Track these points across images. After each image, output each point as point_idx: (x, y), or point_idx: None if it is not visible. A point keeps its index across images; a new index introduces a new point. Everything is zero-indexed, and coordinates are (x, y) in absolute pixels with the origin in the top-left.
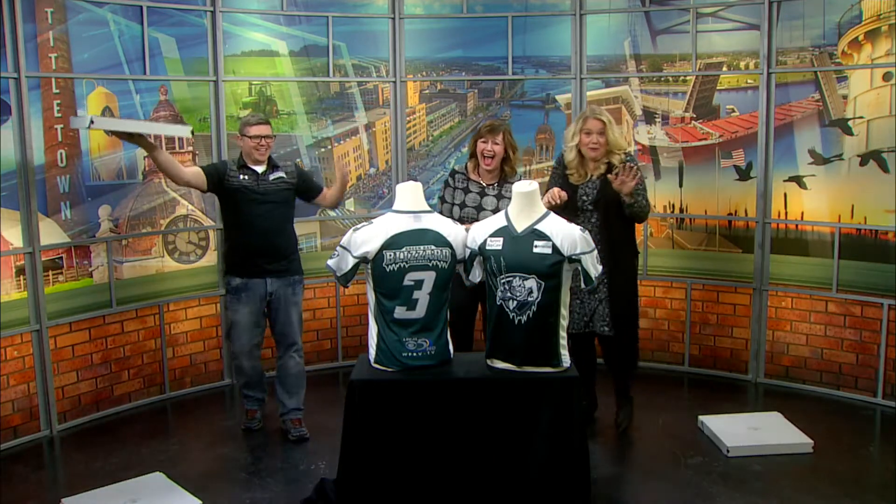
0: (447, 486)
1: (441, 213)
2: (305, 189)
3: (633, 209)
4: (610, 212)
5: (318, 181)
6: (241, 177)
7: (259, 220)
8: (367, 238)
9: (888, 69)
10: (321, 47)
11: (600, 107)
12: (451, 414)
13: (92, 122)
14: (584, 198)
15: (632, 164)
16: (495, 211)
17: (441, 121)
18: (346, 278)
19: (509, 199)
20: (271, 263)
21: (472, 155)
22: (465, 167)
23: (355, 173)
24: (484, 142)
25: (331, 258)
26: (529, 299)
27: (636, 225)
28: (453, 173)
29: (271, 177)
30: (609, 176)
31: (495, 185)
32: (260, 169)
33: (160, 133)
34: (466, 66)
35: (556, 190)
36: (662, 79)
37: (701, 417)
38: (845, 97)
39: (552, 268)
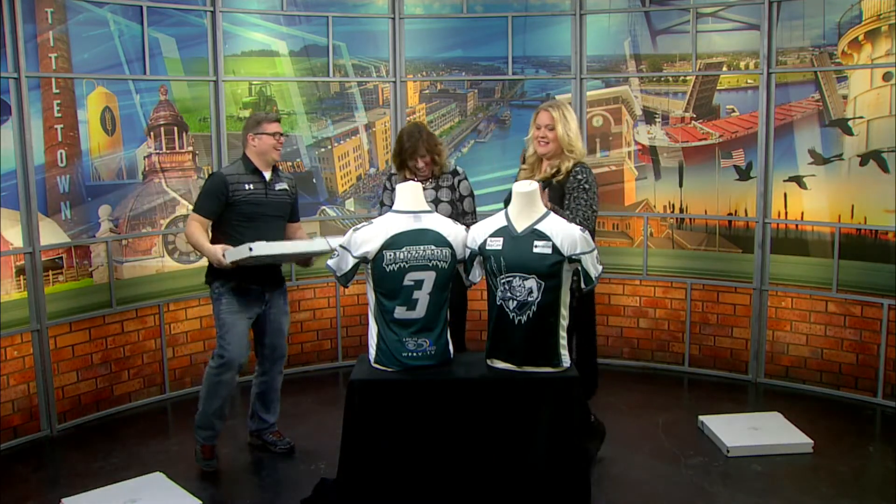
0: (447, 486)
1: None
2: (291, 211)
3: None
4: None
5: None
6: (248, 185)
7: (269, 232)
8: (368, 238)
9: (888, 69)
10: (321, 47)
11: (562, 101)
12: (451, 414)
13: (251, 249)
14: None
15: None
16: (435, 201)
17: (441, 121)
18: (346, 278)
19: (446, 187)
20: (272, 275)
21: (401, 167)
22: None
23: (355, 173)
24: (413, 162)
25: (331, 258)
26: (529, 299)
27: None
28: (390, 176)
29: (277, 187)
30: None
31: (430, 179)
32: (267, 175)
33: (303, 251)
34: (466, 66)
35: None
36: (662, 79)
37: (701, 417)
38: (845, 97)
39: (552, 268)
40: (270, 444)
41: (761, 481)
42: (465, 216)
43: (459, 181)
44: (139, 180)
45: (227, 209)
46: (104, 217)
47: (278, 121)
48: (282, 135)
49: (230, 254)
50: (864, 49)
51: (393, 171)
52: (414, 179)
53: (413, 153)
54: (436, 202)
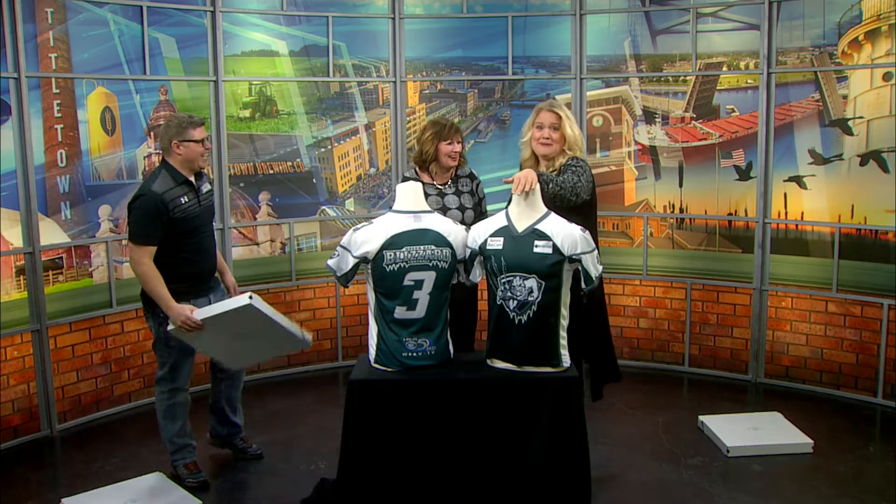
0: (447, 486)
1: None
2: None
3: (550, 192)
4: None
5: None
6: (183, 199)
7: (207, 240)
8: (368, 238)
9: (888, 69)
10: (321, 47)
11: (558, 101)
12: (451, 414)
13: (251, 297)
14: None
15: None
16: (460, 208)
17: None
18: (346, 278)
19: (468, 192)
20: (212, 279)
21: (426, 161)
22: (415, 171)
23: (355, 173)
24: (449, 143)
25: (331, 258)
26: (530, 299)
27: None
28: (405, 180)
29: (204, 190)
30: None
31: (450, 182)
32: (193, 181)
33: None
34: (466, 66)
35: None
36: (662, 79)
37: (701, 417)
38: (845, 97)
39: (553, 268)
40: (241, 450)
41: (761, 481)
42: (482, 217)
43: (477, 184)
44: (139, 180)
45: (171, 228)
46: (104, 217)
47: (203, 124)
48: (208, 139)
49: (201, 313)
50: (864, 49)
51: (408, 174)
52: (434, 184)
53: (454, 130)
54: (461, 209)
